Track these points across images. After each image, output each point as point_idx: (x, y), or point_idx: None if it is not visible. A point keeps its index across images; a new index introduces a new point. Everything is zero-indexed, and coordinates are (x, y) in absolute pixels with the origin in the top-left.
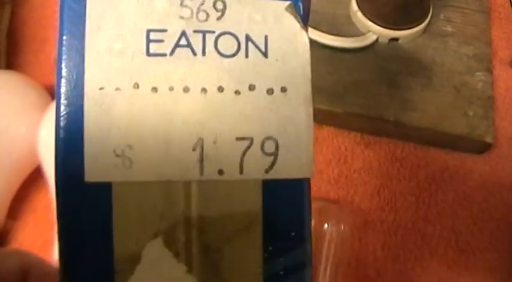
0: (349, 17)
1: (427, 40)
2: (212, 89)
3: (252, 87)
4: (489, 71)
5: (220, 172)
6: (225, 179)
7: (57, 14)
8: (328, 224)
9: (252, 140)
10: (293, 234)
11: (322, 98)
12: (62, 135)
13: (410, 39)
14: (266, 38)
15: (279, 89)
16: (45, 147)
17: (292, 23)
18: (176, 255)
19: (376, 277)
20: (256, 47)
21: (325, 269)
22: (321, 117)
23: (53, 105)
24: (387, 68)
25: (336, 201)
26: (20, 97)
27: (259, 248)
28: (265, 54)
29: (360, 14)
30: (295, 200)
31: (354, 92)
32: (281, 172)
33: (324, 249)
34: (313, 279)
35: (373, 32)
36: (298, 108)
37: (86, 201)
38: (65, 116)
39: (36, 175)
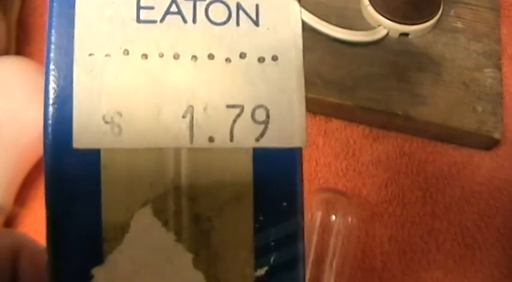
0: (359, 10)
1: (437, 36)
2: (202, 57)
3: (242, 55)
4: (498, 67)
5: (211, 139)
6: (215, 146)
7: None
8: (336, 216)
9: (242, 107)
10: (285, 204)
11: (332, 91)
12: (51, 101)
13: (421, 34)
14: (257, 6)
15: (270, 57)
16: None
17: None
18: (165, 224)
19: (382, 270)
20: (248, 15)
21: (332, 260)
22: (329, 110)
23: None
24: (397, 63)
25: (344, 193)
26: (30, 82)
27: (250, 218)
28: (256, 23)
29: (370, 8)
30: (287, 170)
31: (363, 86)
32: (272, 141)
33: (331, 241)
34: (320, 271)
35: (384, 26)
36: (289, 78)
37: (74, 168)
38: (54, 81)
39: (42, 161)
